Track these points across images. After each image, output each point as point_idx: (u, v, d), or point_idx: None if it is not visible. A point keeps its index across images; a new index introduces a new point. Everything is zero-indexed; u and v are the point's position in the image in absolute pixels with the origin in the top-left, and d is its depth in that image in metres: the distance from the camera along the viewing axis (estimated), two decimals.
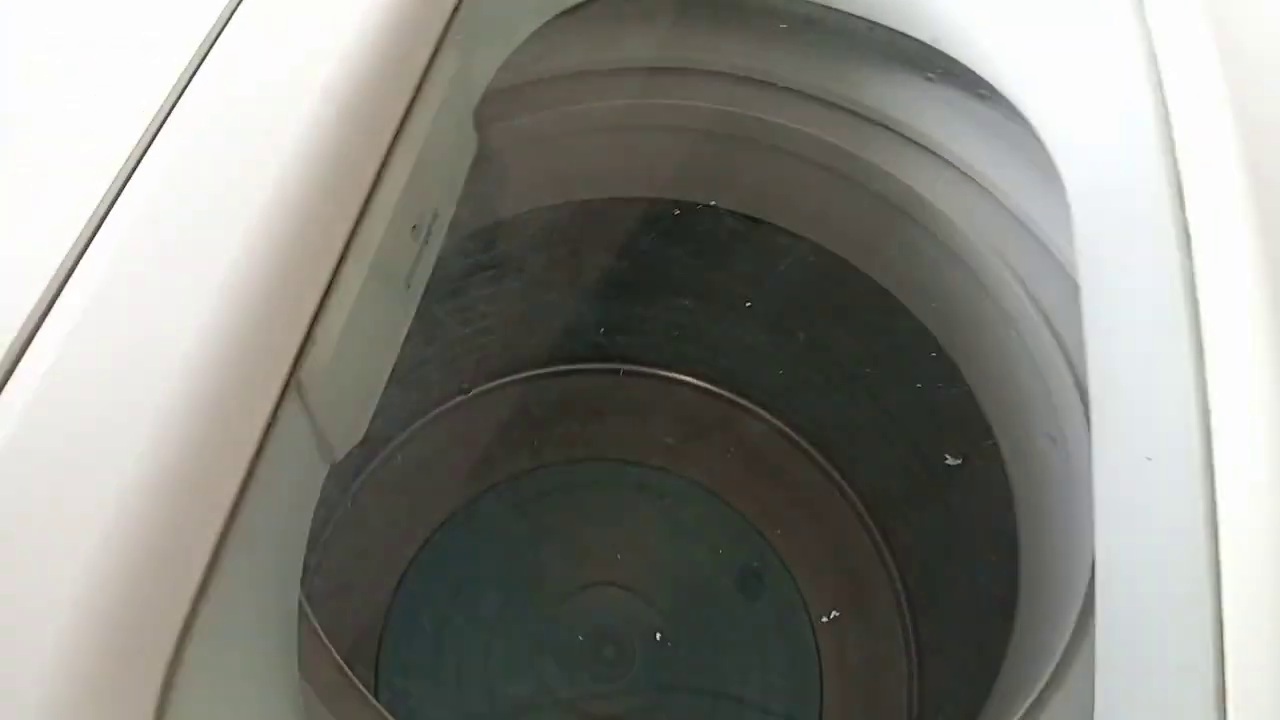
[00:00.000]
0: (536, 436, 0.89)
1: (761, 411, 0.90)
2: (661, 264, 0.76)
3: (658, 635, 0.81)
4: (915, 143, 0.59)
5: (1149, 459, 0.32)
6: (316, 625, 0.40)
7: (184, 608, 0.27)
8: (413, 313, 0.44)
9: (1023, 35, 0.49)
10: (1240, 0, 0.44)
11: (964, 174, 0.57)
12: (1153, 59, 0.42)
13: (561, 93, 0.59)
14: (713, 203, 0.68)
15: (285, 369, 0.31)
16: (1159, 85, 0.41)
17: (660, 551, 0.87)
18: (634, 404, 0.92)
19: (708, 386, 0.90)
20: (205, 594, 0.28)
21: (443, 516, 0.84)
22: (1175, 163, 0.39)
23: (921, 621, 0.81)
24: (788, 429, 0.90)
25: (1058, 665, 0.43)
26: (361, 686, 0.41)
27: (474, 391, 0.85)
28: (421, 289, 0.44)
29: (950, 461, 0.68)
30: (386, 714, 0.41)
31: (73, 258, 0.30)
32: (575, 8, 0.52)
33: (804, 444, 0.89)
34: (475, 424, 0.86)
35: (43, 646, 0.24)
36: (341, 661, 0.41)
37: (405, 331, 0.44)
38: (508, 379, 0.87)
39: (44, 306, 0.29)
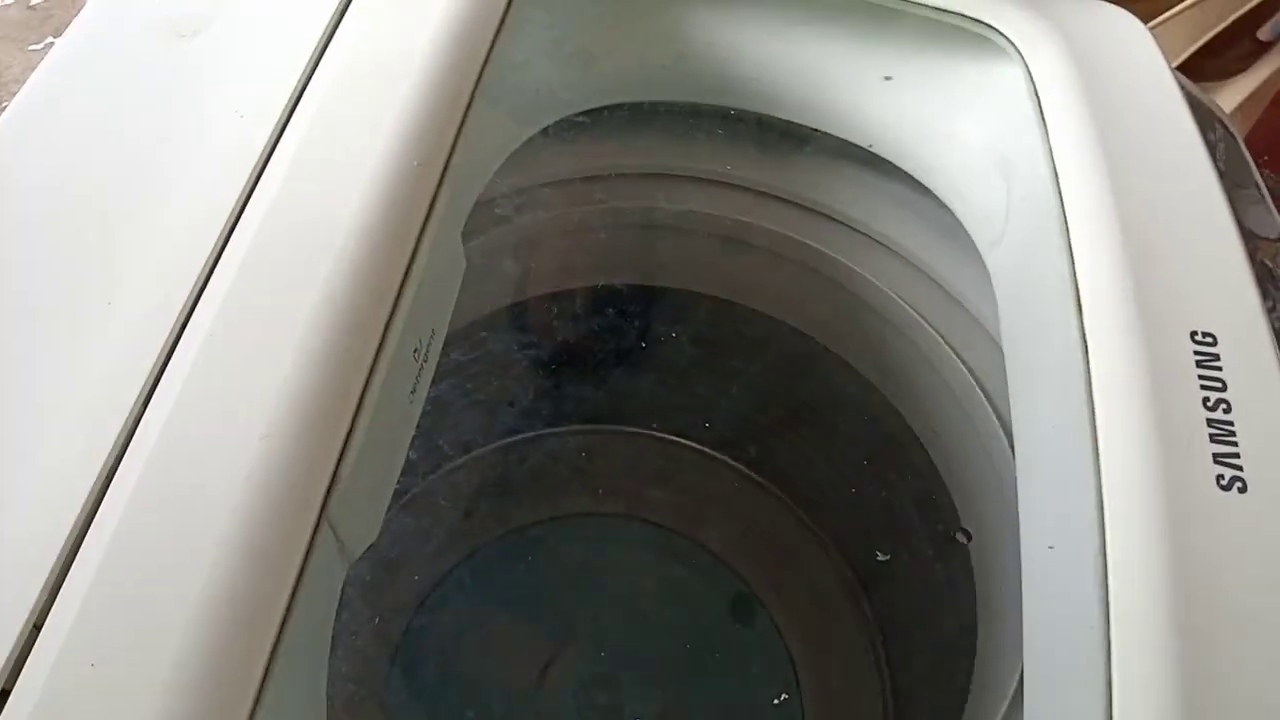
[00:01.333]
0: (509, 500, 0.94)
1: (728, 459, 0.95)
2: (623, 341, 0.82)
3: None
4: (860, 231, 0.65)
5: (1051, 547, 0.38)
6: None
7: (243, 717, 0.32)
8: (415, 423, 0.49)
9: (944, 145, 0.55)
10: (1124, 113, 0.50)
11: (906, 260, 0.64)
12: (1054, 173, 0.48)
13: (534, 202, 0.65)
14: (677, 286, 0.75)
15: (318, 504, 0.36)
16: (1059, 197, 0.47)
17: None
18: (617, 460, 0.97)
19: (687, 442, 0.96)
20: (260, 703, 0.33)
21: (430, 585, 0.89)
22: (1073, 267, 0.45)
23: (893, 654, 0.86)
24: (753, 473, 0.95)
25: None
26: None
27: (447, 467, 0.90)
28: (422, 400, 0.50)
29: (880, 557, 0.74)
30: None
31: (133, 420, 0.35)
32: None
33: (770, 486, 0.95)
34: (454, 493, 0.91)
35: None
36: None
37: (409, 440, 0.49)
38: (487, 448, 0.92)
39: (112, 462, 0.34)
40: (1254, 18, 1.26)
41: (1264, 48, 1.30)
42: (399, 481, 0.47)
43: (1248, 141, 1.36)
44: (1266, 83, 1.29)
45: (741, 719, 0.87)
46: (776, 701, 0.86)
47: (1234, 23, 1.24)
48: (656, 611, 0.91)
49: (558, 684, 0.85)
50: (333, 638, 0.42)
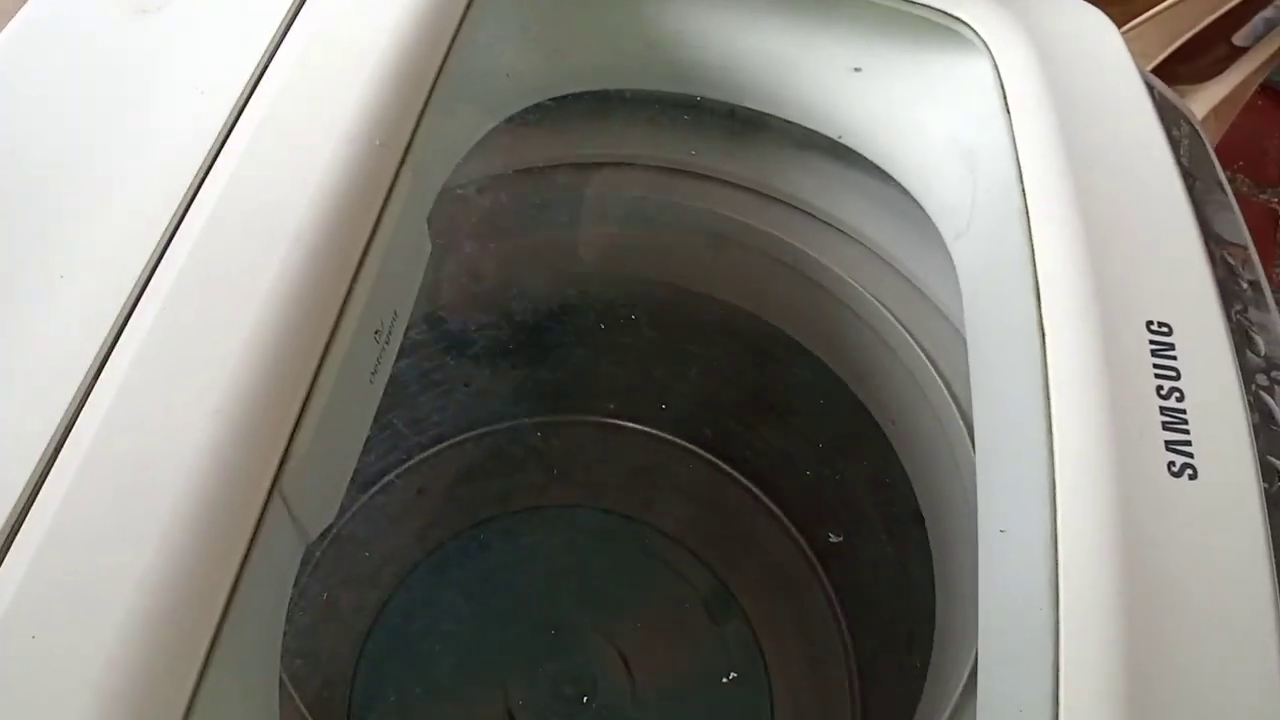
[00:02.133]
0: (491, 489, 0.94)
1: (698, 449, 0.96)
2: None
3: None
4: (825, 221, 0.65)
5: (1002, 531, 0.38)
6: (295, 695, 0.45)
7: (186, 694, 0.32)
8: (376, 405, 0.49)
9: (911, 137, 0.56)
10: (1088, 108, 0.51)
11: (870, 249, 0.64)
12: (1018, 166, 0.49)
13: (498, 189, 0.65)
14: (639, 273, 0.75)
15: (269, 479, 0.36)
16: (1022, 189, 0.48)
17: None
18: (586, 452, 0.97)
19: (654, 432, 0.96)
20: (205, 677, 0.33)
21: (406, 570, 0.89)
22: (1033, 257, 0.46)
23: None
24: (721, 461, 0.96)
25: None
26: None
27: (429, 451, 0.90)
28: (384, 383, 0.49)
29: (833, 539, 0.75)
30: None
31: (83, 392, 0.35)
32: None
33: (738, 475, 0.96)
34: (435, 479, 0.91)
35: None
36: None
37: (370, 422, 0.49)
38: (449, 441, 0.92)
39: (61, 433, 0.34)
40: (1229, 22, 1.28)
41: (1239, 52, 1.32)
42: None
43: (1223, 146, 1.38)
44: (1241, 87, 1.31)
45: (708, 694, 0.87)
46: (732, 677, 0.87)
47: (1209, 27, 1.26)
48: (619, 596, 0.92)
49: (525, 673, 0.85)
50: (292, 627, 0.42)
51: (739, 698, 0.88)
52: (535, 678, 0.85)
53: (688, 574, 0.92)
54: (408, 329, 0.52)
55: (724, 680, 0.87)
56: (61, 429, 0.34)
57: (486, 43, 0.53)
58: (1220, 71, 1.30)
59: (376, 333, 0.47)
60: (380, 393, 0.50)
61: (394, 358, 0.51)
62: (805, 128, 0.59)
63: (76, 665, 0.30)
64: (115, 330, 0.36)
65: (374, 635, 0.86)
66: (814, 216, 0.65)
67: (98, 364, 0.36)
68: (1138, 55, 0.56)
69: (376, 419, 0.49)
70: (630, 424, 0.95)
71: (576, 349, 0.85)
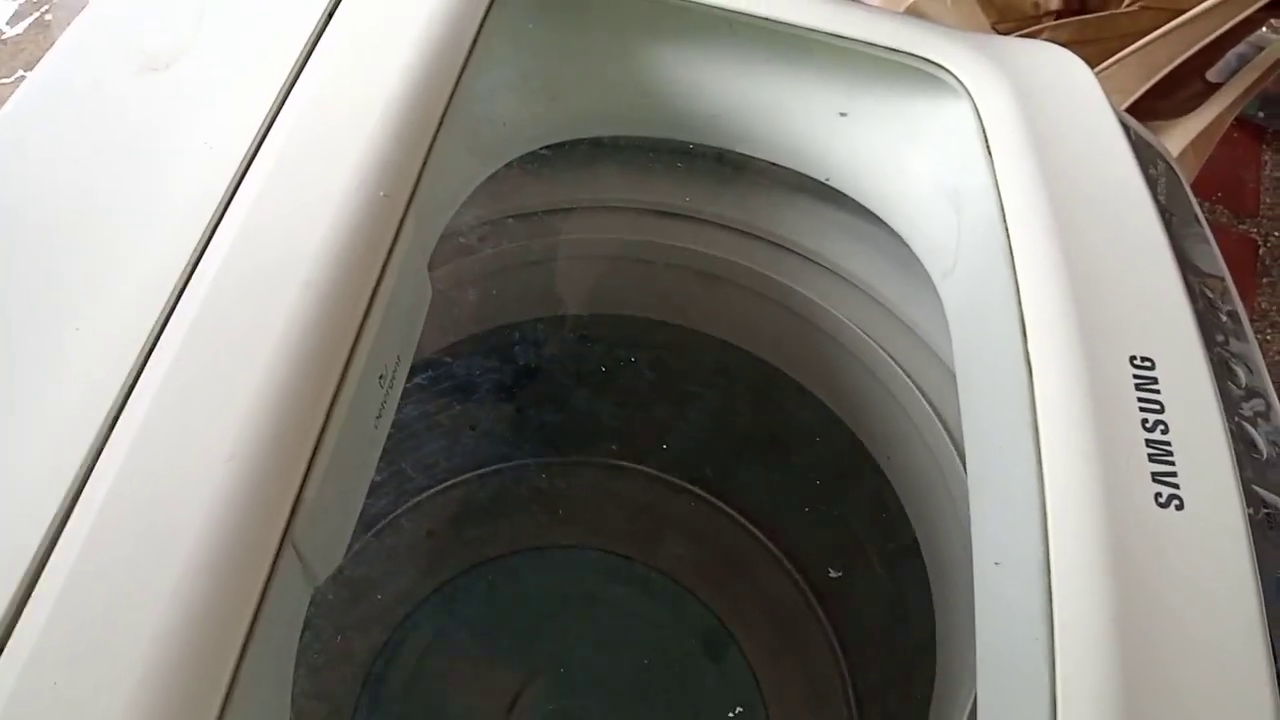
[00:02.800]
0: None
1: (688, 485, 0.97)
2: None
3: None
4: (816, 261, 0.67)
5: (997, 563, 0.39)
6: None
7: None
8: (380, 448, 0.50)
9: (897, 179, 0.57)
10: (1067, 148, 0.52)
11: (861, 289, 0.66)
12: (1000, 206, 0.50)
13: (497, 234, 0.67)
14: (637, 315, 0.76)
15: (281, 527, 0.36)
16: (1005, 229, 0.49)
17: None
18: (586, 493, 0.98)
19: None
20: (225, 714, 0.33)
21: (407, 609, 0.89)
22: (1019, 295, 0.47)
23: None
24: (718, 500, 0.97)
25: None
26: None
27: (426, 493, 0.91)
28: (388, 426, 0.50)
29: (832, 574, 0.76)
30: None
31: (99, 441, 0.36)
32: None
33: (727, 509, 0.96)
34: (434, 520, 0.91)
35: None
36: None
37: (375, 465, 0.50)
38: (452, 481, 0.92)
39: (78, 483, 0.35)
40: (1204, 59, 1.31)
41: (1213, 88, 1.35)
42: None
43: (1201, 178, 1.40)
44: (1216, 122, 1.33)
45: None
46: (737, 712, 0.87)
47: (1185, 64, 1.29)
48: (620, 637, 0.92)
49: (525, 713, 0.85)
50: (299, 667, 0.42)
51: None
52: (535, 716, 0.85)
53: (686, 612, 0.93)
54: (410, 373, 0.52)
55: (729, 716, 0.87)
56: (79, 479, 0.35)
57: (486, 92, 0.55)
58: (1196, 107, 1.33)
59: (381, 377, 0.48)
60: (384, 437, 0.51)
61: (397, 401, 0.52)
62: (795, 171, 0.61)
63: (97, 713, 0.30)
64: (129, 381, 0.37)
65: (374, 673, 0.86)
66: (806, 257, 0.67)
67: (113, 414, 0.36)
68: (1115, 92, 0.58)
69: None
70: (630, 464, 0.96)
71: (576, 390, 0.86)
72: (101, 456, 0.35)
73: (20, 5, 1.84)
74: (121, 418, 0.36)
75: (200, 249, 0.41)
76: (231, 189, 0.43)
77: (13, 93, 0.47)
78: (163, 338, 0.38)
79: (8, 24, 1.82)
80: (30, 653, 0.31)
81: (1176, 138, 1.32)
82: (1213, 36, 1.27)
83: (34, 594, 0.33)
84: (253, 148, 0.45)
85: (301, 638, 0.41)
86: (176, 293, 0.39)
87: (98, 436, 0.36)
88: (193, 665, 0.32)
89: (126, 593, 0.33)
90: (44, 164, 0.44)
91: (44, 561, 0.33)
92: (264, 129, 0.46)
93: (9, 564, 0.33)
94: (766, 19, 0.55)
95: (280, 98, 0.48)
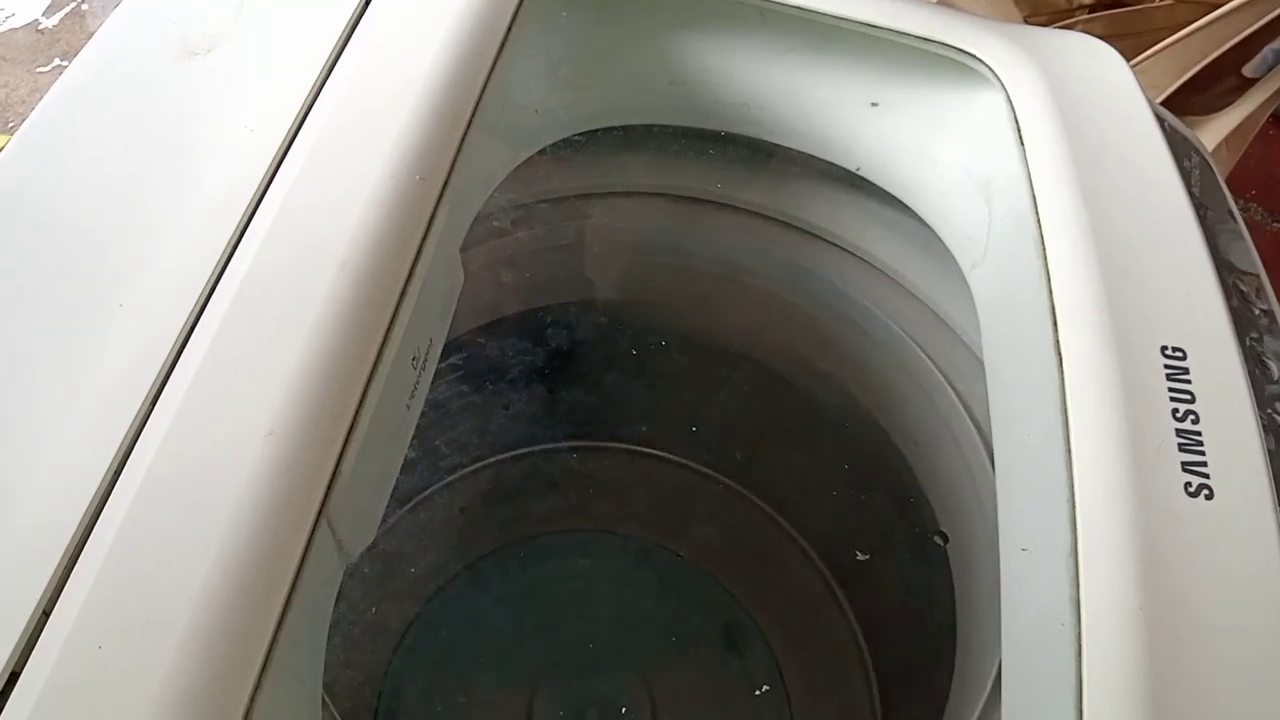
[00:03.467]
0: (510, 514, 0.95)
1: (718, 475, 0.97)
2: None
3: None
4: (846, 249, 0.67)
5: (1025, 550, 0.40)
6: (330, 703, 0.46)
7: (243, 702, 0.33)
8: (413, 428, 0.51)
9: (928, 169, 0.57)
10: (1100, 138, 0.52)
11: (890, 277, 0.66)
12: (1033, 196, 0.50)
13: (528, 218, 0.68)
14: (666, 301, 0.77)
15: (317, 504, 0.37)
16: (1037, 219, 0.49)
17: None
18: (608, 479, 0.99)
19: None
20: (260, 687, 0.34)
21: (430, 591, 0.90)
22: (1050, 285, 0.47)
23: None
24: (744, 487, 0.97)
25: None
26: None
27: (452, 476, 0.92)
28: (420, 407, 0.51)
29: (860, 556, 0.76)
30: None
31: (142, 415, 0.37)
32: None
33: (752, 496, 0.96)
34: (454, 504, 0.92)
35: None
36: None
37: (407, 444, 0.50)
38: (485, 461, 0.93)
39: (122, 455, 0.36)
40: (1240, 54, 1.29)
41: (1249, 83, 1.33)
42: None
43: (1235, 175, 1.38)
44: (1252, 117, 1.32)
45: (729, 714, 0.88)
46: (759, 692, 0.87)
47: (1220, 59, 1.27)
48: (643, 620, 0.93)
49: (550, 690, 0.86)
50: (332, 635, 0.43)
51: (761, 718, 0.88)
52: (559, 696, 0.86)
53: (709, 597, 0.93)
54: (442, 355, 0.53)
55: (756, 693, 0.87)
56: (123, 451, 0.36)
57: (519, 81, 0.55)
58: (1232, 102, 1.31)
59: (414, 359, 0.49)
60: (416, 418, 0.51)
61: (429, 383, 0.52)
62: (825, 160, 0.61)
63: (142, 674, 0.31)
64: (172, 357, 0.38)
65: (405, 643, 0.87)
66: (837, 245, 0.67)
67: (156, 389, 0.37)
68: (1150, 87, 0.58)
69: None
70: (656, 450, 0.96)
71: (605, 374, 0.86)
72: (144, 429, 0.36)
73: None
74: (164, 392, 0.37)
75: (240, 230, 0.42)
76: (271, 171, 0.44)
77: (51, 80, 0.48)
78: (204, 315, 0.39)
79: (44, 15, 1.85)
80: (77, 616, 0.32)
81: (1211, 133, 1.31)
82: (1249, 31, 1.26)
83: (79, 561, 0.34)
84: (291, 132, 0.46)
85: (335, 607, 0.42)
86: (217, 272, 0.40)
87: (141, 411, 0.37)
88: (232, 633, 0.33)
89: (169, 561, 0.33)
90: (89, 146, 0.45)
91: (89, 530, 0.34)
92: (302, 114, 0.47)
93: (56, 532, 0.34)
94: (799, 8, 0.55)
95: (318, 84, 0.48)
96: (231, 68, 0.49)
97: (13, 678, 0.32)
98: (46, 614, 0.33)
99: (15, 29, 1.82)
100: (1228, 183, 0.63)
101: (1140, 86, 0.56)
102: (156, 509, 0.34)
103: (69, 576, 0.33)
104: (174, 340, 0.38)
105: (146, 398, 0.37)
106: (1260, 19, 1.25)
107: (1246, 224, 0.58)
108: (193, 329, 0.39)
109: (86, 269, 0.41)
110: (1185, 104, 1.29)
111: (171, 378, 0.37)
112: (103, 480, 0.35)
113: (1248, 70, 1.34)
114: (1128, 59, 0.59)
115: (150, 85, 0.48)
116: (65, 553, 0.34)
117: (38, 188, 0.43)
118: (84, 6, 1.85)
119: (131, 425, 0.36)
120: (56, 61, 1.76)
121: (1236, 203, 0.60)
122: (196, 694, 0.31)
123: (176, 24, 0.51)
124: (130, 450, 0.36)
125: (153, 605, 0.32)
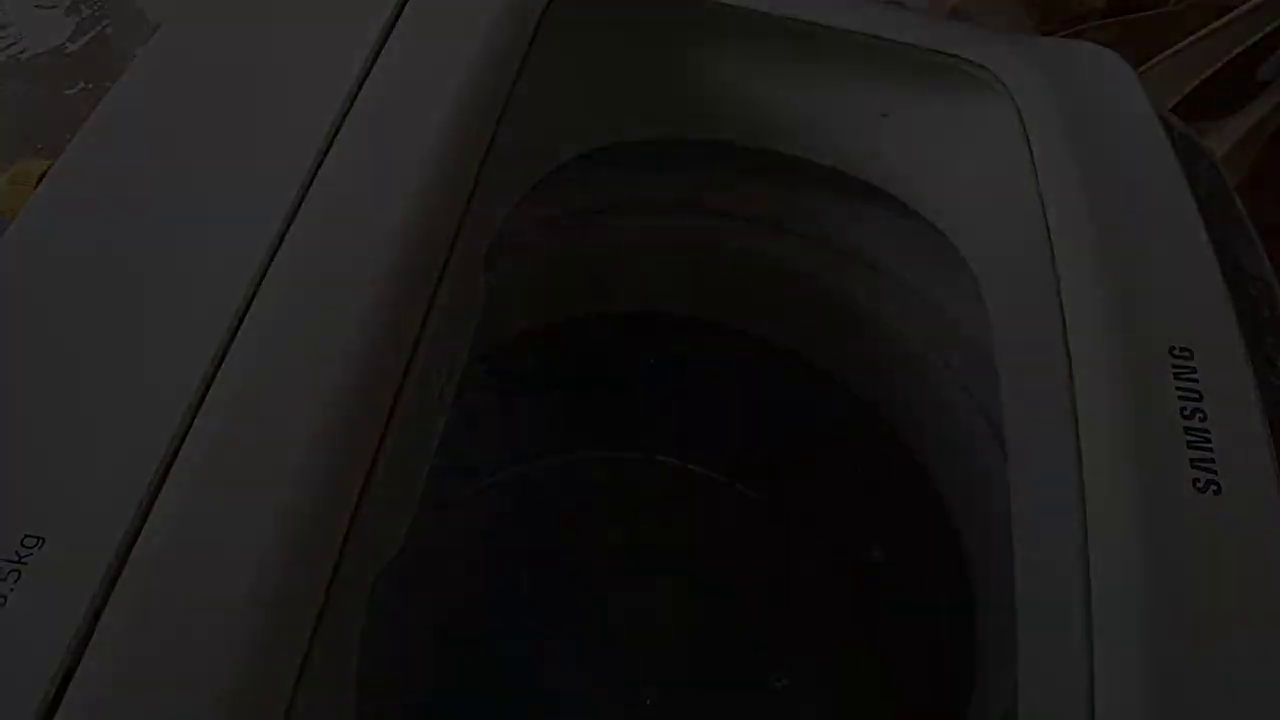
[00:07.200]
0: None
1: (737, 482, 0.98)
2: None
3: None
4: (861, 258, 0.68)
5: (1036, 548, 0.41)
6: None
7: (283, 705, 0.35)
8: (436, 442, 0.52)
9: (938, 177, 0.59)
10: (1107, 145, 0.53)
11: (907, 285, 0.67)
12: (1040, 201, 0.52)
13: (549, 231, 0.69)
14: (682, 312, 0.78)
15: (349, 514, 0.39)
16: (1046, 224, 0.51)
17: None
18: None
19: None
20: (296, 696, 0.35)
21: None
22: (1059, 288, 0.48)
23: None
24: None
25: None
26: None
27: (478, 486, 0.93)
28: (442, 423, 0.52)
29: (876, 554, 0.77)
30: None
31: (184, 428, 0.38)
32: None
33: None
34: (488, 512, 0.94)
35: None
36: None
37: (430, 457, 0.52)
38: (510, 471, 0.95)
39: (164, 467, 0.37)
40: (1253, 57, 1.30)
41: (1262, 87, 1.33)
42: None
43: (1247, 178, 1.38)
44: (1263, 121, 1.32)
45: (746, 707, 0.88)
46: (779, 685, 0.88)
47: (1232, 62, 1.28)
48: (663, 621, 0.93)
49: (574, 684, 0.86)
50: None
51: None
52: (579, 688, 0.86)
53: (724, 605, 0.94)
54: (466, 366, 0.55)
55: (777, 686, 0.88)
56: (164, 463, 0.37)
57: (539, 97, 0.57)
58: (1244, 106, 1.32)
59: (437, 376, 0.50)
60: (441, 428, 0.53)
61: (451, 400, 0.54)
62: (839, 170, 0.63)
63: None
64: (216, 363, 0.39)
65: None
66: (850, 254, 0.68)
67: (194, 405, 0.39)
68: (1162, 90, 0.59)
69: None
70: (679, 461, 0.97)
71: (627, 387, 0.88)
72: (185, 442, 0.38)
73: (81, 21, 1.91)
74: (202, 408, 0.39)
75: (270, 254, 0.43)
76: (301, 192, 0.46)
77: (78, 103, 0.49)
78: (244, 323, 0.41)
79: (70, 40, 1.89)
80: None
81: (1223, 137, 1.31)
82: (1262, 34, 1.26)
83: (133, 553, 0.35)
84: (321, 151, 0.47)
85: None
86: (255, 283, 0.42)
87: (191, 404, 0.38)
88: (269, 644, 0.34)
89: (208, 573, 0.35)
90: (133, 155, 0.46)
91: (135, 536, 0.36)
92: (332, 131, 0.48)
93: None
94: (813, 23, 0.57)
95: (348, 98, 0.50)
96: (262, 91, 0.51)
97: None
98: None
99: (40, 53, 1.85)
100: (1239, 186, 0.64)
101: (1146, 93, 0.57)
102: (197, 525, 0.36)
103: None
104: (212, 352, 0.40)
105: (186, 412, 0.38)
106: (1274, 22, 1.25)
107: (1258, 229, 0.59)
108: (233, 338, 0.40)
109: (128, 282, 0.42)
110: (1197, 108, 1.30)
111: (212, 388, 0.39)
112: (146, 490, 0.36)
113: (1261, 73, 1.34)
114: (1139, 65, 0.60)
115: (189, 103, 0.50)
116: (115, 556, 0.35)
117: (82, 198, 0.45)
118: (108, 30, 1.89)
119: (173, 436, 0.38)
120: (82, 84, 1.79)
121: (1247, 206, 0.61)
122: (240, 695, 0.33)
123: (213, 47, 0.53)
124: (172, 462, 0.37)
125: (195, 609, 0.34)
